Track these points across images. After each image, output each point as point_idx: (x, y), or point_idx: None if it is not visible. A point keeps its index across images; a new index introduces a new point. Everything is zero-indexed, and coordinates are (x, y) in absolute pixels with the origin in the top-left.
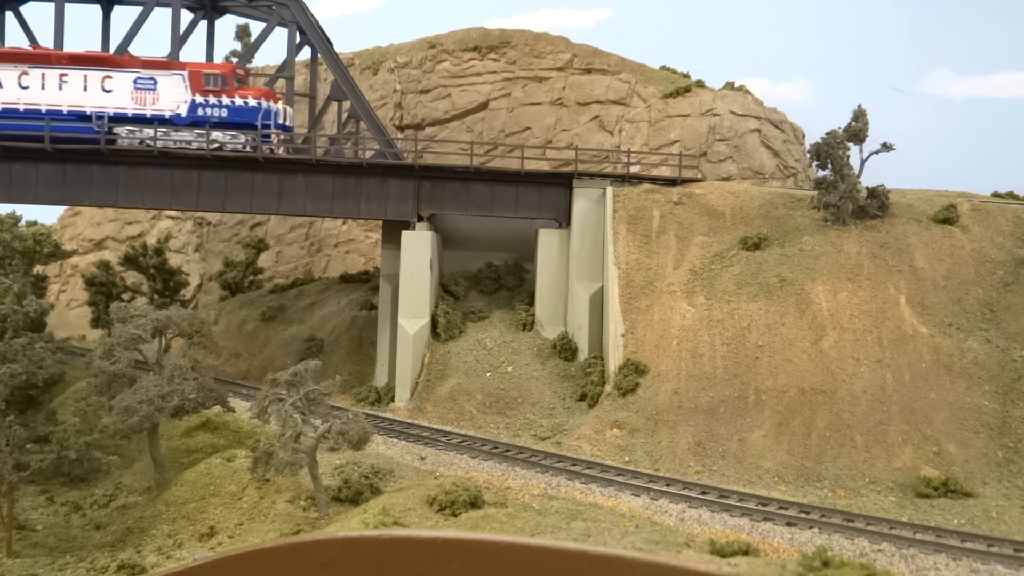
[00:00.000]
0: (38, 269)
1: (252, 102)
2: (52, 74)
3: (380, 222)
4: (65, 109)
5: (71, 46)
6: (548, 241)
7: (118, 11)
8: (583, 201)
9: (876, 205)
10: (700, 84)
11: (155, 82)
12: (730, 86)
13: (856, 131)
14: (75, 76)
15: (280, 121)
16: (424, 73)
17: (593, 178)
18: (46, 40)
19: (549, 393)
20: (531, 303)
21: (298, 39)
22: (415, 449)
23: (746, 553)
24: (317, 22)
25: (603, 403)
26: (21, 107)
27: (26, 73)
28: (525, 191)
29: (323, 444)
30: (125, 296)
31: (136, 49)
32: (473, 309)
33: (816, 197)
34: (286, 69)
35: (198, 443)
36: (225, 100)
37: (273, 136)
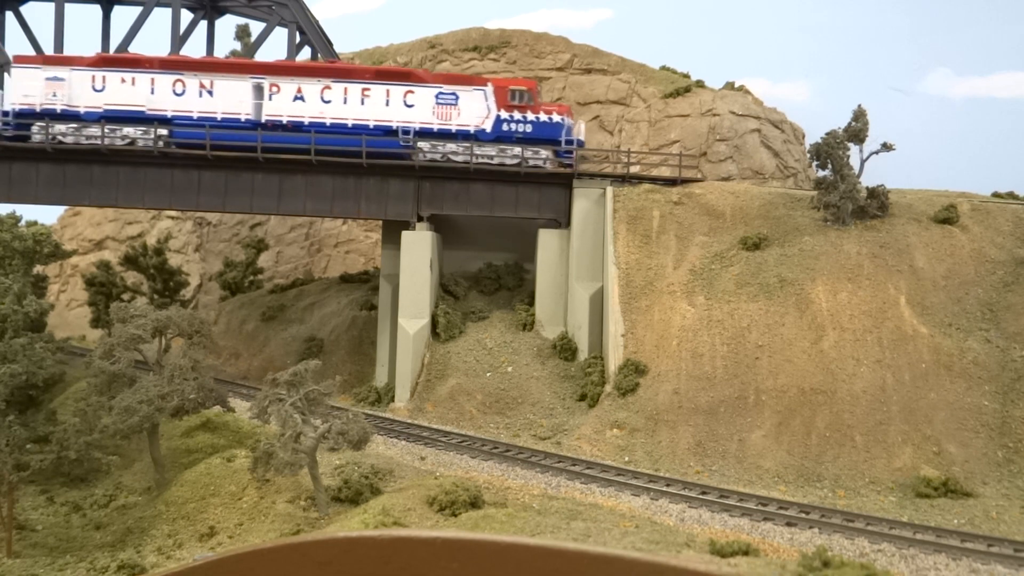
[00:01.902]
0: (38, 269)
1: (556, 118)
2: (355, 88)
3: (380, 222)
4: (371, 123)
5: (71, 46)
6: (548, 241)
7: (118, 11)
8: (583, 201)
9: (876, 205)
10: (700, 84)
11: (456, 97)
12: (730, 86)
13: (856, 131)
14: (377, 91)
15: (578, 137)
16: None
17: (593, 178)
18: (46, 41)
19: (549, 393)
20: (531, 303)
21: (298, 39)
22: (415, 449)
23: (746, 553)
24: (317, 22)
25: (603, 403)
26: (327, 121)
27: (328, 87)
28: (525, 191)
29: (323, 444)
30: (125, 296)
31: (136, 49)
32: (473, 309)
33: (816, 197)
34: None
35: (198, 443)
36: (530, 116)
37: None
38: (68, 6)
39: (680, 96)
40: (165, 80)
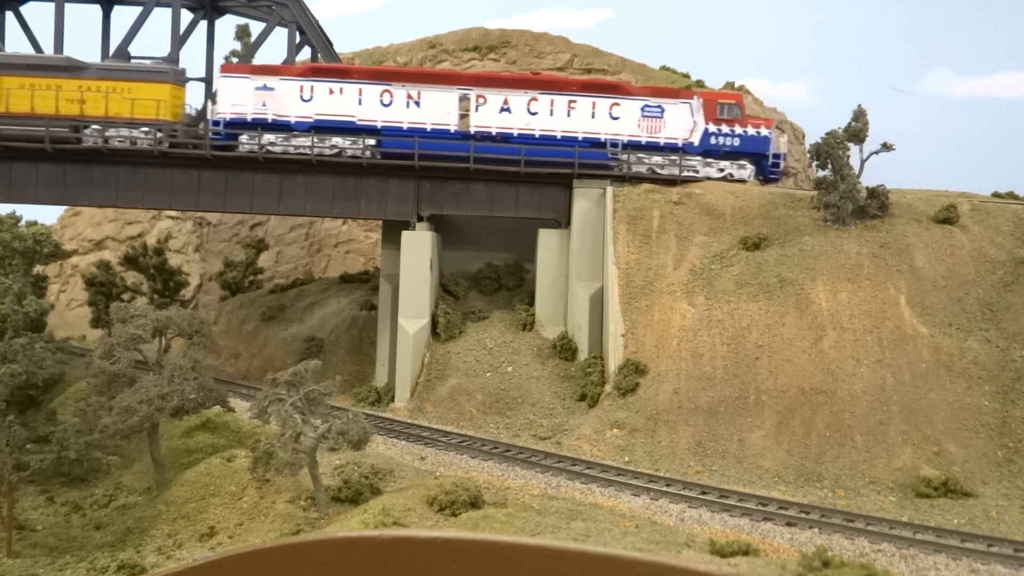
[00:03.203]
0: (38, 269)
1: (764, 131)
2: (561, 100)
3: (380, 222)
4: (580, 135)
5: (71, 46)
6: (548, 241)
7: (118, 11)
8: (583, 201)
9: (876, 205)
10: (700, 84)
11: (662, 110)
12: (730, 86)
13: (856, 131)
14: (584, 102)
15: (783, 151)
16: None
17: (593, 178)
18: (46, 41)
19: (549, 393)
20: (531, 303)
21: (298, 39)
22: (415, 449)
23: (746, 553)
24: (317, 22)
25: (603, 403)
26: (536, 133)
27: (535, 99)
28: (525, 191)
29: (323, 444)
30: (125, 296)
31: (136, 49)
32: (473, 309)
33: (816, 197)
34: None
35: (198, 443)
36: (738, 129)
37: (781, 165)
38: (68, 6)
39: None
40: (373, 90)
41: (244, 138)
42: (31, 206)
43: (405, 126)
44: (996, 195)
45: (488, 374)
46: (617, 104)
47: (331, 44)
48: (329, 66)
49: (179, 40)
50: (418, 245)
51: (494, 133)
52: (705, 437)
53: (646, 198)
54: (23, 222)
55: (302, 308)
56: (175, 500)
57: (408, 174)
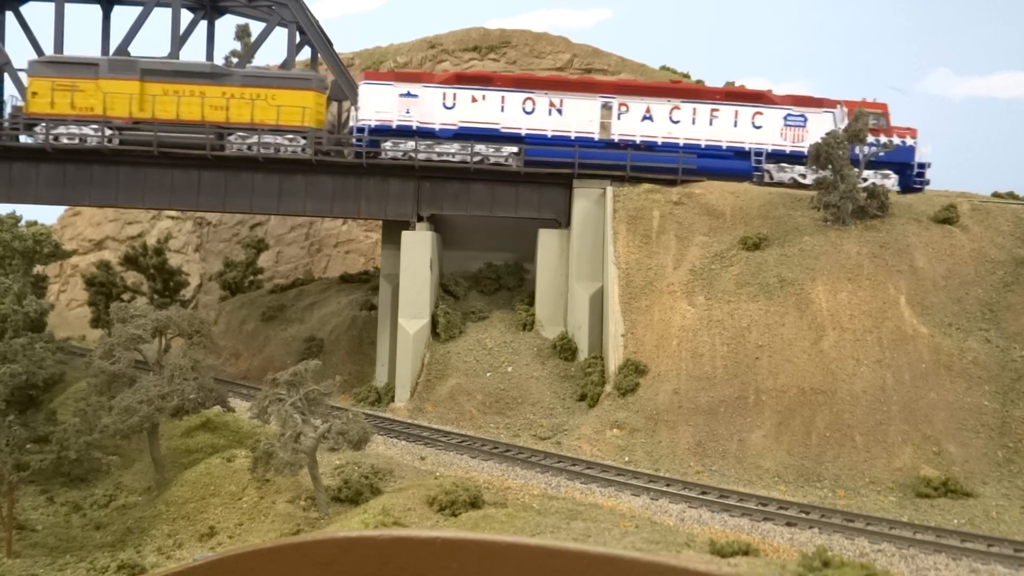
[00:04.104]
0: (38, 269)
1: (909, 141)
2: (703, 109)
3: (380, 222)
4: (724, 144)
5: (71, 46)
6: (548, 241)
7: (118, 11)
8: (583, 201)
9: (876, 205)
10: (700, 84)
11: (805, 119)
12: (730, 86)
13: (856, 131)
14: (726, 111)
15: (927, 160)
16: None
17: (593, 178)
18: (45, 40)
19: (549, 393)
20: (531, 303)
21: (298, 39)
22: (415, 449)
23: (746, 553)
24: (317, 22)
25: (603, 403)
26: (680, 141)
27: (677, 108)
28: (525, 191)
29: (323, 444)
30: (125, 296)
31: (136, 49)
32: (473, 309)
33: (816, 197)
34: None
35: (198, 443)
36: (883, 139)
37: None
38: (68, 6)
39: None
40: (515, 98)
41: (387, 145)
42: (31, 206)
43: (549, 134)
44: (996, 195)
45: (488, 374)
46: (760, 113)
47: (331, 44)
48: (472, 73)
49: (179, 40)
50: (418, 245)
51: (638, 141)
52: (705, 437)
53: (646, 198)
54: (23, 222)
55: (302, 308)
56: (175, 500)
57: (408, 174)
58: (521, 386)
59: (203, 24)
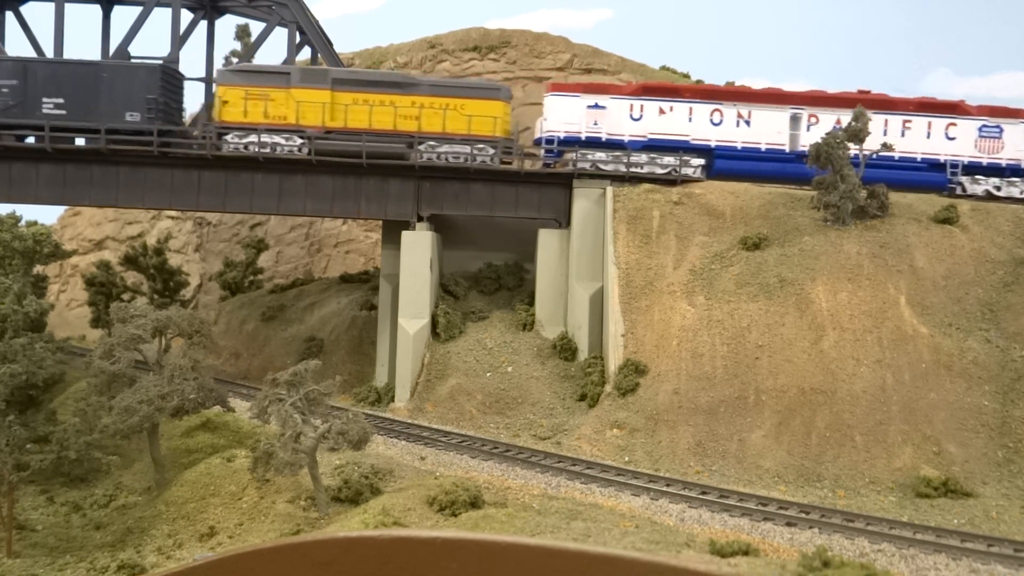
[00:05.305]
0: (38, 269)
1: None
2: (895, 120)
3: (380, 222)
4: (918, 156)
5: (71, 46)
6: (548, 241)
7: (118, 11)
8: (583, 201)
9: (876, 205)
10: (700, 84)
11: (1000, 130)
12: (730, 86)
13: (856, 131)
14: (919, 123)
15: None
16: (424, 73)
17: (593, 178)
18: (46, 40)
19: (549, 393)
20: (531, 303)
21: (298, 39)
22: (415, 449)
23: (746, 553)
24: (317, 22)
25: (603, 403)
26: (872, 153)
27: (869, 119)
28: (525, 191)
29: (323, 444)
30: (125, 296)
31: (136, 49)
32: (473, 309)
33: (816, 197)
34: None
35: (198, 443)
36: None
37: None
38: (68, 6)
39: None
40: (703, 109)
41: (573, 155)
42: (31, 206)
43: (739, 146)
44: None
45: (488, 374)
46: (953, 124)
47: (331, 44)
48: (659, 85)
49: (179, 40)
50: (418, 245)
51: None
52: (705, 437)
53: (646, 198)
54: (23, 222)
55: (302, 308)
56: (175, 500)
57: (408, 174)
58: (521, 386)
59: (203, 24)
